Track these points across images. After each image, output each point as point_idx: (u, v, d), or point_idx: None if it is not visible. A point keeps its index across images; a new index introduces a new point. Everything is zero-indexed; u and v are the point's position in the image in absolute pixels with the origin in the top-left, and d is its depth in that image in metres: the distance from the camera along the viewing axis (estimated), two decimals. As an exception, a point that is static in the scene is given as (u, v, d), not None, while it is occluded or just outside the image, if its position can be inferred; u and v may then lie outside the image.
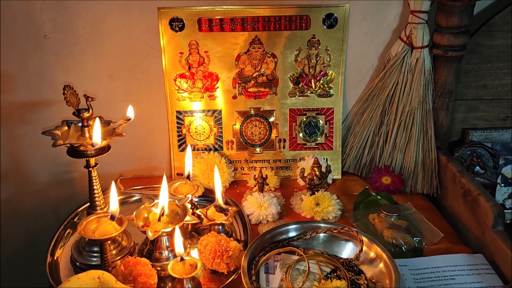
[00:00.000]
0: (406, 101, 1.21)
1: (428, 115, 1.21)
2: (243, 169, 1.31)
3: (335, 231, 1.01)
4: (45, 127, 1.21)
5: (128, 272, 0.88)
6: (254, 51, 1.22)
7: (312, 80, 1.25)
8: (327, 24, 1.20)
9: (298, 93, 1.26)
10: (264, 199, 1.13)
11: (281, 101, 1.27)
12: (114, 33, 1.18)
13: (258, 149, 1.30)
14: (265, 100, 1.27)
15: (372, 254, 0.95)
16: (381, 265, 0.92)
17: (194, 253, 1.04)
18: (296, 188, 1.27)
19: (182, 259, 0.91)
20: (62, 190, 1.33)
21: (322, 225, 1.03)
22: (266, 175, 1.20)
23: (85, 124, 0.91)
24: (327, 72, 1.25)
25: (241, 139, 1.29)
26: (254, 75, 1.24)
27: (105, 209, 0.98)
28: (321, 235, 1.01)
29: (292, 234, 1.02)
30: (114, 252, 0.98)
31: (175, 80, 1.23)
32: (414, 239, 1.03)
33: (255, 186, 1.20)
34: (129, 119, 0.97)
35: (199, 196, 1.11)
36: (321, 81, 1.26)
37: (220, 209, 1.03)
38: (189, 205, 1.02)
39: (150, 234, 0.92)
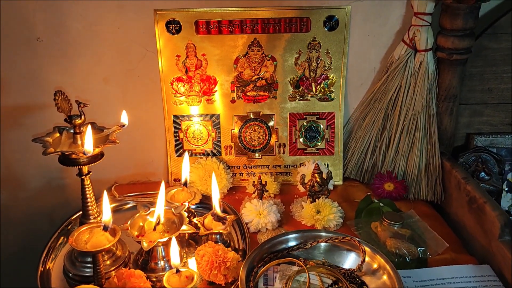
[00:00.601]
0: (409, 105, 1.18)
1: (432, 120, 1.18)
2: (242, 175, 1.28)
3: (336, 240, 0.98)
4: (38, 132, 1.18)
5: (122, 285, 0.85)
6: (253, 54, 1.19)
7: (313, 84, 1.22)
8: (328, 27, 1.17)
9: (298, 97, 1.23)
10: (263, 207, 1.10)
11: (281, 105, 1.24)
12: (109, 35, 1.15)
13: (257, 154, 1.27)
14: (264, 104, 1.24)
15: (375, 265, 0.92)
16: (385, 277, 0.89)
17: (192, 261, 1.00)
18: (296, 194, 1.24)
19: (178, 270, 0.88)
20: (56, 195, 1.30)
21: (323, 234, 1.00)
22: (266, 182, 1.17)
23: (77, 131, 0.87)
24: (328, 75, 1.22)
25: (240, 144, 1.26)
26: (253, 78, 1.21)
27: (98, 218, 0.95)
28: (322, 244, 0.98)
29: (292, 243, 0.99)
30: (108, 262, 0.95)
31: (172, 84, 1.20)
32: (418, 249, 1.00)
33: (254, 192, 1.17)
34: (123, 126, 0.93)
35: (196, 203, 1.07)
36: (322, 85, 1.23)
37: (218, 218, 1.00)
38: (185, 214, 0.99)
39: (145, 245, 0.89)
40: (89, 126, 0.83)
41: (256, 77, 1.21)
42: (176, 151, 1.26)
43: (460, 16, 1.08)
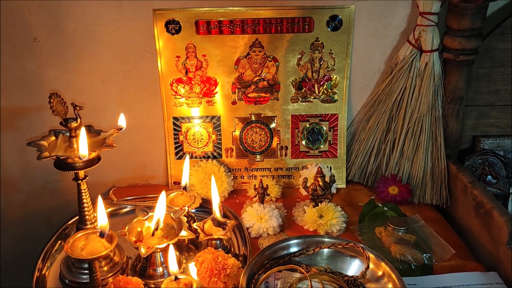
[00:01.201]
0: (415, 107, 1.16)
1: (438, 122, 1.16)
2: (243, 178, 1.26)
3: (339, 246, 0.96)
4: (35, 134, 1.17)
5: (119, 293, 0.82)
6: (255, 55, 1.16)
7: (316, 85, 1.20)
8: (331, 26, 1.15)
9: (300, 99, 1.21)
10: (264, 211, 1.08)
11: (283, 107, 1.21)
12: (107, 35, 1.13)
13: (258, 157, 1.25)
14: (266, 105, 1.21)
15: (379, 273, 0.90)
16: (390, 285, 0.86)
17: (191, 266, 0.98)
18: (298, 198, 1.22)
19: (176, 278, 0.85)
20: (54, 198, 1.28)
21: (326, 239, 0.98)
22: (267, 185, 1.14)
23: (73, 134, 0.85)
24: (331, 76, 1.19)
25: (241, 147, 1.24)
26: (255, 79, 1.19)
27: (95, 224, 0.92)
28: (325, 250, 0.96)
29: (294, 249, 0.97)
30: (105, 268, 0.92)
31: (171, 85, 1.18)
32: (424, 255, 0.97)
33: (255, 196, 1.15)
34: (121, 129, 0.91)
35: (196, 208, 1.05)
36: (325, 86, 1.20)
37: (218, 223, 0.98)
38: (185, 218, 0.96)
39: (143, 251, 0.87)
40: (83, 129, 0.81)
41: (257, 78, 1.19)
42: (176, 153, 1.24)
43: (468, 16, 1.05)
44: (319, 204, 1.11)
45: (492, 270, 0.96)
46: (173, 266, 0.84)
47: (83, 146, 0.79)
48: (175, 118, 1.21)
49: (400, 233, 1.02)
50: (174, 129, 1.22)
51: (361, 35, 1.17)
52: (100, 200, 0.81)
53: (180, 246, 1.03)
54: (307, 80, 1.19)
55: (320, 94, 1.21)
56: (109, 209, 1.12)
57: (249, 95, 1.20)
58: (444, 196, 1.16)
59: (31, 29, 1.10)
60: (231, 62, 1.17)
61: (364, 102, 1.24)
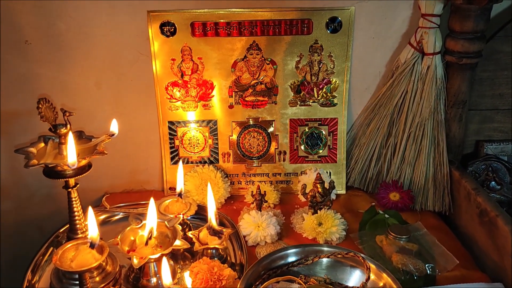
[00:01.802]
0: (416, 111, 1.13)
1: (440, 127, 1.13)
2: (240, 183, 1.23)
3: (339, 256, 0.93)
4: (26, 139, 1.13)
5: (110, 306, 0.79)
6: (252, 58, 1.14)
7: (315, 89, 1.17)
8: (330, 29, 1.12)
9: (299, 102, 1.18)
10: (262, 219, 1.05)
11: (281, 111, 1.19)
12: (101, 38, 1.10)
13: (256, 162, 1.23)
14: (264, 109, 1.19)
15: (381, 284, 0.87)
16: (391, 297, 0.83)
17: (187, 276, 0.95)
18: (297, 204, 1.19)
19: (170, 290, 0.82)
20: (46, 205, 1.25)
21: (325, 249, 0.95)
22: (265, 192, 1.11)
23: (63, 141, 0.82)
24: (331, 80, 1.17)
25: (238, 151, 1.21)
26: (252, 83, 1.16)
27: (86, 233, 0.89)
28: (324, 260, 0.94)
29: (292, 258, 0.94)
30: (97, 279, 0.89)
31: (167, 89, 1.16)
32: (426, 265, 0.94)
33: (252, 203, 1.12)
34: (113, 135, 0.88)
35: (192, 215, 1.02)
36: (324, 90, 1.18)
37: (214, 232, 0.95)
38: (179, 227, 0.93)
39: (135, 262, 0.85)
40: (71, 136, 0.77)
41: (255, 81, 1.16)
42: (172, 158, 1.21)
43: (471, 17, 1.03)
44: (318, 211, 1.08)
45: (497, 280, 0.93)
46: (166, 279, 0.81)
47: (71, 154, 0.76)
48: (171, 122, 1.18)
49: (401, 242, 0.99)
50: (170, 134, 1.19)
51: (361, 37, 1.14)
52: (90, 210, 0.78)
53: (175, 255, 1.00)
54: (306, 83, 1.17)
55: (319, 98, 1.18)
56: (102, 216, 1.10)
57: (246, 98, 1.18)
58: (447, 202, 1.13)
59: (22, 31, 1.07)
60: (228, 65, 1.14)
61: (364, 106, 1.21)
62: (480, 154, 1.19)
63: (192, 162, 1.21)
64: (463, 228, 1.09)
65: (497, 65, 1.12)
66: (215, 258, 0.94)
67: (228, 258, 0.99)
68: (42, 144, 0.86)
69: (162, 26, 1.10)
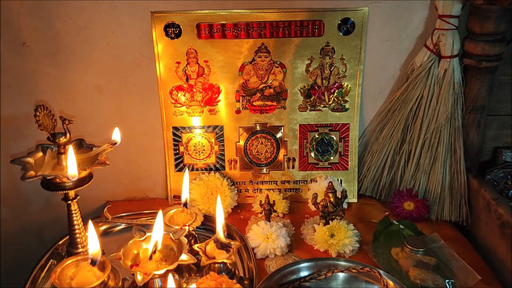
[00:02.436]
0: (432, 116, 1.09)
1: (457, 133, 1.08)
2: (248, 191, 1.19)
3: (354, 271, 0.88)
4: (24, 145, 1.09)
5: (112, 327, 0.75)
6: (260, 61, 1.10)
7: (325, 93, 1.13)
8: (343, 30, 1.08)
9: (309, 107, 1.14)
10: (271, 230, 1.00)
11: (290, 116, 1.15)
12: (102, 39, 1.07)
13: (264, 169, 1.18)
14: (272, 115, 1.15)
15: (398, 302, 0.82)
16: (411, 317, 0.79)
17: (193, 288, 0.91)
18: (307, 213, 1.15)
19: (176, 309, 0.77)
20: (46, 213, 1.21)
21: (339, 263, 0.92)
22: (274, 201, 1.07)
23: (62, 150, 0.77)
24: (342, 83, 1.13)
25: (245, 158, 1.17)
26: (260, 87, 1.12)
27: (87, 247, 0.84)
28: (338, 275, 0.89)
29: (304, 273, 0.91)
30: (98, 295, 0.84)
31: (171, 93, 1.11)
32: (446, 281, 0.89)
33: (261, 213, 1.07)
34: (115, 143, 0.83)
35: (198, 226, 0.98)
36: (336, 94, 1.13)
37: (221, 245, 0.90)
38: (185, 240, 0.89)
39: (139, 278, 0.80)
40: (71, 148, 0.72)
41: (263, 85, 1.12)
42: (176, 165, 1.17)
43: (491, 19, 0.98)
44: (330, 222, 1.03)
45: (521, 297, 0.88)
46: (172, 298, 0.76)
47: (71, 166, 0.71)
48: (175, 128, 1.14)
49: (418, 255, 0.95)
50: (174, 140, 1.15)
51: (374, 40, 1.10)
52: (91, 225, 0.73)
53: (180, 267, 0.95)
54: (316, 87, 1.12)
55: (330, 103, 1.14)
56: (103, 227, 1.05)
57: (254, 103, 1.13)
58: (464, 212, 1.08)
59: (20, 33, 1.04)
60: (235, 68, 1.10)
61: (377, 111, 1.17)
62: (498, 161, 1.14)
63: (197, 169, 1.17)
64: (481, 239, 1.04)
65: (518, 69, 1.08)
66: (223, 273, 0.90)
67: (237, 272, 0.94)
68: (40, 154, 0.81)
69: (166, 27, 1.06)
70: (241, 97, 1.13)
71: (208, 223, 1.05)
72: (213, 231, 0.94)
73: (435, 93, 1.07)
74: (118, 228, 1.07)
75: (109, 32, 1.06)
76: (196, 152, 1.16)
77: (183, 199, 0.99)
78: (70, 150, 0.72)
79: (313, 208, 1.13)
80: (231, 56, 1.09)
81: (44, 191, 1.14)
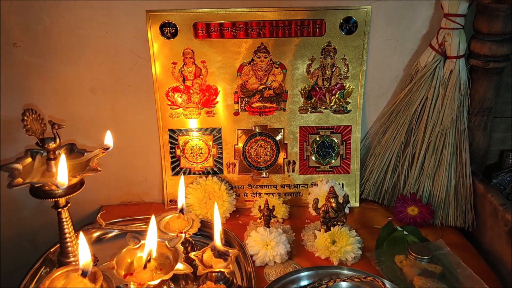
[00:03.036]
0: (437, 119, 1.06)
1: (463, 136, 1.05)
2: (246, 195, 1.15)
3: (356, 280, 0.85)
4: (15, 149, 1.06)
5: None
6: (259, 61, 1.07)
7: (327, 94, 1.10)
8: (345, 30, 1.05)
9: (310, 109, 1.11)
10: (270, 237, 0.97)
11: (291, 118, 1.12)
12: (96, 40, 1.04)
13: (263, 173, 1.15)
14: (272, 117, 1.12)
15: (403, 313, 0.78)
16: (416, 330, 0.75)
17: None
18: (307, 218, 1.12)
19: (171, 321, 0.74)
20: (38, 217, 1.18)
21: (341, 271, 0.89)
22: (273, 206, 1.03)
23: (51, 156, 0.74)
24: (344, 85, 1.09)
25: (244, 161, 1.14)
26: (259, 88, 1.09)
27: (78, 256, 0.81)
28: (340, 284, 0.86)
29: (304, 282, 0.89)
30: (91, 305, 0.81)
31: (167, 94, 1.08)
32: (452, 291, 0.86)
33: (260, 218, 1.04)
34: (107, 148, 0.80)
35: (194, 233, 0.94)
36: (337, 95, 1.10)
37: (219, 254, 0.87)
38: (181, 248, 0.86)
39: (133, 289, 0.76)
40: (63, 156, 0.69)
41: (262, 86, 1.09)
42: (173, 169, 1.14)
43: (499, 18, 0.95)
44: (332, 228, 1.00)
45: (530, 308, 0.85)
46: (166, 310, 0.73)
47: (62, 174, 0.68)
48: (172, 131, 1.11)
49: (423, 263, 0.92)
50: (170, 143, 1.12)
51: (378, 39, 1.07)
52: (82, 236, 0.70)
53: (177, 276, 0.92)
54: (317, 88, 1.09)
55: (331, 104, 1.11)
56: (96, 233, 1.02)
57: (253, 105, 1.10)
58: (470, 218, 1.05)
59: (10, 32, 1.01)
60: (233, 69, 1.07)
61: (380, 113, 1.14)
62: (504, 164, 1.12)
63: (194, 173, 1.14)
64: (488, 246, 1.01)
65: (525, 70, 1.05)
66: (221, 282, 0.86)
67: (235, 281, 0.91)
68: (29, 159, 0.78)
69: (162, 27, 1.03)
70: (239, 99, 1.10)
71: (205, 229, 1.02)
72: (210, 237, 0.91)
73: (440, 95, 1.04)
74: (112, 234, 1.04)
75: (103, 32, 1.03)
76: (193, 155, 1.13)
77: (179, 205, 0.95)
78: (62, 158, 0.69)
79: (313, 212, 1.10)
80: (229, 56, 1.06)
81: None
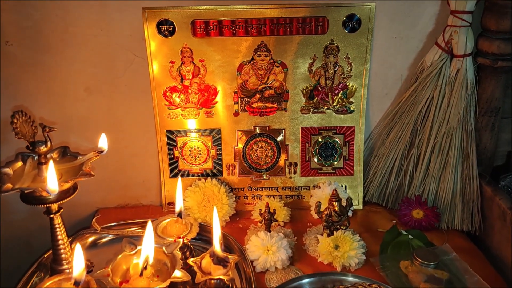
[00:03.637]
0: (443, 119, 1.04)
1: (469, 137, 1.03)
2: (247, 198, 1.13)
3: (360, 287, 0.82)
4: (7, 151, 1.03)
5: None
6: (260, 60, 1.04)
7: (329, 94, 1.07)
8: (348, 27, 1.02)
9: (312, 109, 1.09)
10: (271, 242, 0.94)
11: (292, 119, 1.09)
12: (91, 38, 1.01)
13: (264, 175, 1.13)
14: (272, 117, 1.09)
15: (409, 323, 0.76)
16: None
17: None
18: (309, 222, 1.09)
19: (168, 332, 0.72)
20: (32, 220, 1.14)
21: (345, 278, 0.87)
22: (274, 210, 1.01)
23: (43, 160, 0.71)
24: (347, 84, 1.07)
25: (244, 163, 1.12)
26: (260, 88, 1.07)
27: (72, 264, 0.78)
28: (344, 291, 0.82)
29: None
30: (85, 314, 0.78)
31: (165, 94, 1.06)
32: (460, 298, 0.83)
33: (261, 222, 1.01)
34: (102, 151, 0.77)
35: (193, 237, 0.92)
36: (340, 95, 1.08)
37: (218, 260, 0.84)
38: (179, 254, 0.83)
39: (128, 298, 0.73)
40: (51, 163, 0.66)
41: (263, 86, 1.07)
42: (171, 171, 1.11)
43: (508, 15, 0.93)
44: (334, 232, 0.97)
45: (541, 315, 0.82)
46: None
47: (51, 180, 0.65)
48: (169, 132, 1.09)
49: (429, 269, 0.90)
50: (168, 144, 1.10)
51: (382, 37, 1.05)
52: (78, 247, 0.67)
53: (174, 283, 0.89)
54: (319, 88, 1.07)
55: (334, 104, 1.08)
56: (91, 238, 0.99)
57: (253, 105, 1.08)
58: (477, 221, 1.03)
59: (2, 30, 0.98)
60: (232, 68, 1.05)
61: (384, 113, 1.12)
62: (512, 166, 1.08)
63: (193, 175, 1.12)
64: (495, 250, 0.98)
65: (535, 69, 1.02)
66: (220, 291, 0.84)
67: (234, 288, 0.88)
68: (20, 163, 0.75)
69: (159, 24, 1.00)
70: (239, 99, 1.07)
71: (204, 233, 0.99)
72: (209, 242, 0.88)
73: (447, 94, 1.02)
74: (108, 238, 1.01)
75: (99, 30, 1.00)
76: (192, 157, 1.11)
77: (177, 209, 0.93)
78: (51, 164, 0.66)
79: (316, 216, 1.07)
80: (229, 55, 1.03)
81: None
